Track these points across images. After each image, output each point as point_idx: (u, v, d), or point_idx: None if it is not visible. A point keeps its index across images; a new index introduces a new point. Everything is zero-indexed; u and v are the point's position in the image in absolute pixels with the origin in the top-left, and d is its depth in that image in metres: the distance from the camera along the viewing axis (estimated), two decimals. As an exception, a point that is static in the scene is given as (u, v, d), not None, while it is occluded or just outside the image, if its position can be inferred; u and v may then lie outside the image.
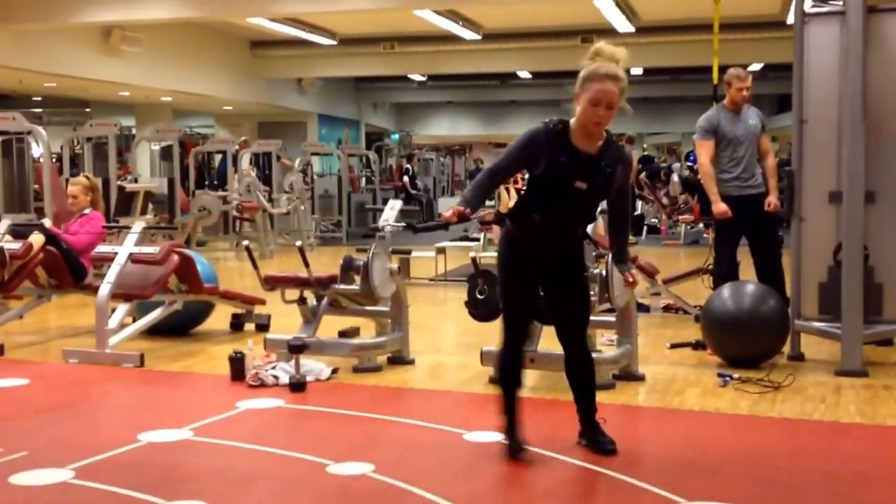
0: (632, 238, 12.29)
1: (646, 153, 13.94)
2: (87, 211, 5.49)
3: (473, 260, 4.18)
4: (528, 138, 2.85)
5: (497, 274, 3.03)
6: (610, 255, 3.95)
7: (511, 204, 9.36)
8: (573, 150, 2.83)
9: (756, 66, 13.73)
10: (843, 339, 4.21)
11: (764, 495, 2.71)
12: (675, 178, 13.46)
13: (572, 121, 2.87)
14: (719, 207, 4.91)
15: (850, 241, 4.20)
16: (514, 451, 2.97)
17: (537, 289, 2.99)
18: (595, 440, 3.03)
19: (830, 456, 3.09)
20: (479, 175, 2.91)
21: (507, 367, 3.03)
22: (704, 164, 4.99)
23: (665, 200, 12.74)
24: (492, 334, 4.68)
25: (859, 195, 4.19)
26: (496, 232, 10.35)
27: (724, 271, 4.94)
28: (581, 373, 3.07)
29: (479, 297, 3.92)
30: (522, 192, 2.97)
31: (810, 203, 4.44)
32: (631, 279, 3.03)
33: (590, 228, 4.22)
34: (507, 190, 10.84)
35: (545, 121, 2.88)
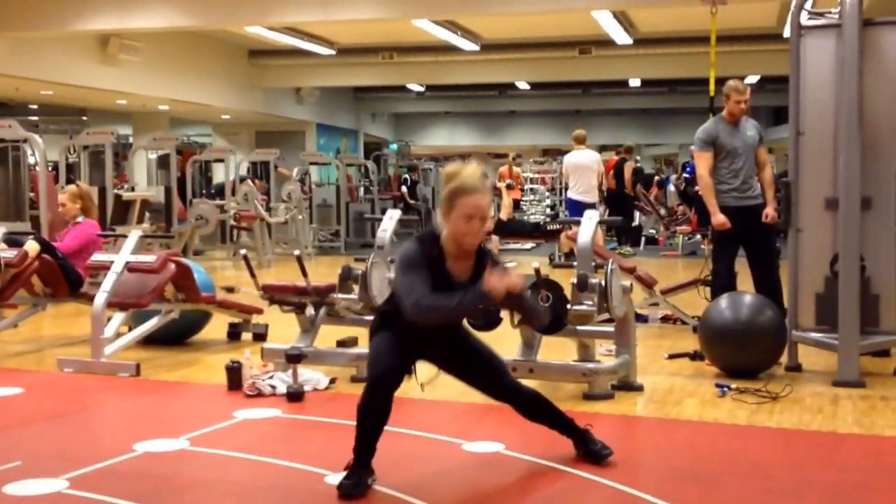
0: (629, 249, 12.25)
1: (638, 165, 13.91)
2: (80, 219, 5.50)
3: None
4: (414, 259, 2.70)
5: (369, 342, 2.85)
6: (610, 263, 3.96)
7: (510, 210, 9.37)
8: (449, 279, 2.73)
9: (753, 79, 13.79)
10: (840, 349, 4.21)
11: (762, 506, 2.71)
12: (671, 188, 13.50)
13: (445, 240, 2.74)
14: (718, 219, 4.92)
15: (847, 252, 4.21)
16: (352, 489, 2.70)
17: (411, 361, 2.83)
18: (589, 450, 3.02)
19: (828, 466, 3.09)
20: (427, 307, 2.64)
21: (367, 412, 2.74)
22: (703, 175, 5.01)
23: (662, 211, 12.77)
24: (490, 343, 4.67)
25: (855, 206, 4.20)
26: (494, 241, 10.36)
27: (722, 282, 4.95)
28: (534, 408, 3.01)
29: None
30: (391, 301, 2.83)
31: (807, 214, 4.45)
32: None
33: (587, 238, 4.24)
34: (504, 194, 10.84)
35: (418, 238, 2.77)
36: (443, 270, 2.75)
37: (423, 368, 2.92)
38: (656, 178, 14.41)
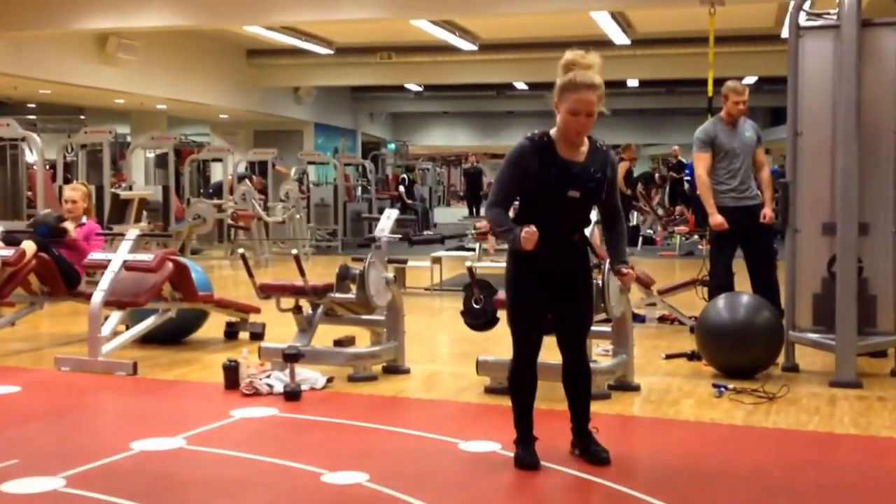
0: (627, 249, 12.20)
1: (649, 171, 13.83)
2: (84, 220, 5.50)
3: (469, 269, 4.18)
4: (517, 156, 2.87)
5: (506, 290, 3.01)
6: (607, 263, 3.96)
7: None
8: (561, 161, 2.86)
9: (751, 79, 13.81)
10: (838, 350, 4.22)
11: (759, 506, 2.71)
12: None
13: (554, 131, 2.89)
14: (716, 219, 4.93)
15: (844, 253, 4.21)
16: (529, 464, 2.94)
17: (546, 302, 2.97)
18: (588, 450, 3.02)
19: (824, 467, 3.09)
20: (489, 212, 2.91)
21: (520, 382, 3.00)
22: (702, 175, 5.01)
23: (660, 211, 12.78)
24: (488, 344, 4.67)
25: (853, 207, 4.20)
26: (491, 242, 10.36)
27: (719, 282, 4.95)
28: (578, 382, 3.06)
29: (475, 306, 3.92)
30: (517, 209, 2.98)
31: (804, 214, 4.45)
32: (626, 271, 3.00)
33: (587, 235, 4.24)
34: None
35: (528, 136, 2.89)
36: (555, 155, 2.86)
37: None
38: (657, 175, 14.37)
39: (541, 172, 2.83)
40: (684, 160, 14.58)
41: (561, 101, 2.83)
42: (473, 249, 8.59)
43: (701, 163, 5.00)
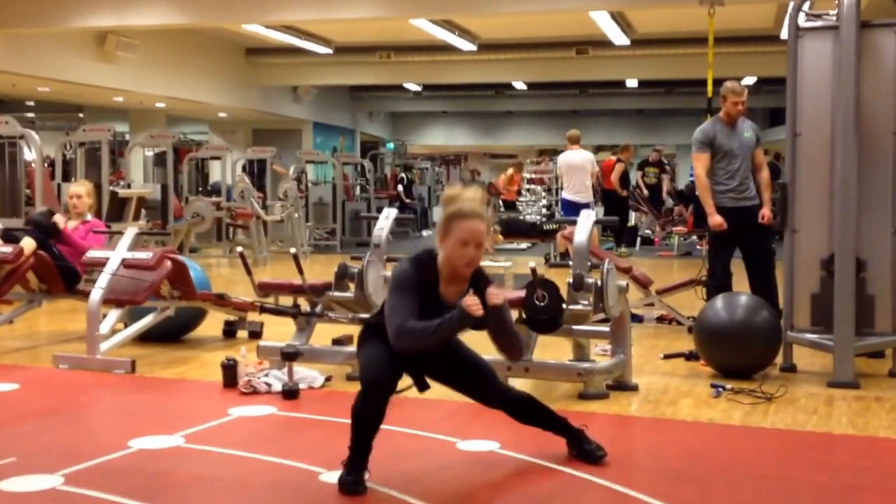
0: (625, 249, 12.25)
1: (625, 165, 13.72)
2: (88, 217, 5.50)
3: (533, 270, 4.15)
4: (404, 281, 2.69)
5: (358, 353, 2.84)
6: (606, 263, 3.96)
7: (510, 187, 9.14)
8: (440, 301, 2.72)
9: (750, 80, 13.81)
10: (836, 350, 4.23)
11: (756, 506, 2.71)
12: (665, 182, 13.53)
13: (441, 263, 2.74)
14: (715, 220, 4.93)
15: (843, 253, 4.22)
16: (353, 486, 2.71)
17: (401, 367, 2.80)
18: (583, 450, 3.02)
19: (822, 467, 3.10)
20: (412, 334, 2.66)
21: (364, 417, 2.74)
22: (700, 176, 5.01)
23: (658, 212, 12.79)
24: (485, 342, 4.68)
25: (851, 207, 4.21)
26: (490, 242, 10.33)
27: (718, 282, 4.96)
28: (528, 412, 3.00)
29: (538, 304, 3.85)
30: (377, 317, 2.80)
31: (803, 215, 4.46)
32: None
33: (583, 238, 4.24)
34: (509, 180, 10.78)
35: (415, 262, 2.73)
36: (435, 294, 2.74)
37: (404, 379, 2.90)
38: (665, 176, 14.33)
39: (421, 304, 2.69)
40: (665, 160, 14.61)
41: (448, 234, 2.70)
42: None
43: (700, 163, 5.01)
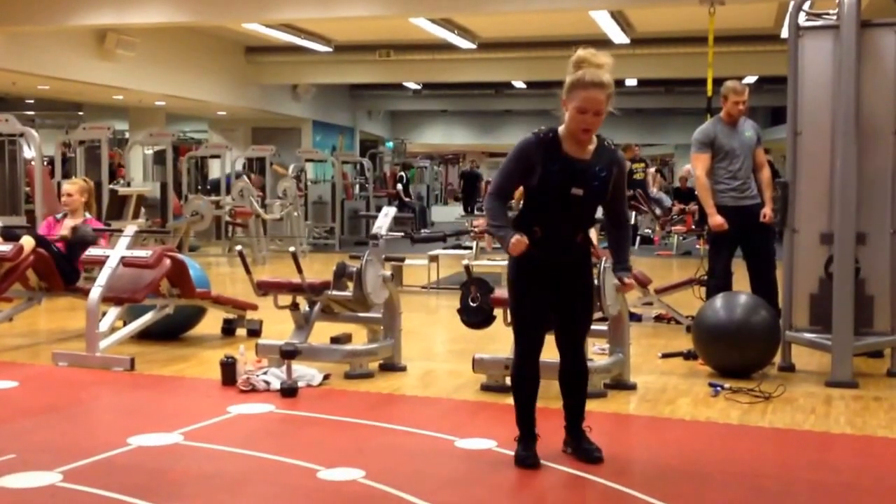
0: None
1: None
2: (87, 215, 5.51)
3: (466, 268, 4.18)
4: (521, 151, 2.86)
5: (508, 289, 3.01)
6: (604, 262, 3.96)
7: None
8: (566, 157, 2.84)
9: (750, 79, 13.81)
10: (834, 350, 4.23)
11: (754, 505, 2.72)
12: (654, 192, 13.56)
13: (561, 128, 2.87)
14: (716, 220, 4.92)
15: (842, 253, 4.22)
16: (530, 463, 2.93)
17: (548, 301, 2.96)
18: (581, 448, 3.03)
19: (820, 466, 3.10)
20: (488, 203, 2.91)
21: (523, 380, 2.99)
22: (700, 176, 5.00)
23: (658, 211, 12.79)
24: (484, 341, 4.68)
25: (851, 207, 4.21)
26: (488, 241, 10.36)
27: (718, 282, 4.95)
28: (575, 381, 3.07)
29: (471, 304, 3.92)
30: (521, 206, 2.98)
31: (803, 214, 4.46)
32: (627, 281, 3.01)
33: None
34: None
35: (535, 131, 2.89)
36: (559, 152, 2.84)
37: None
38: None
39: (544, 169, 2.82)
40: (641, 155, 14.62)
41: (569, 99, 2.81)
42: (471, 248, 8.59)
43: (700, 164, 5.00)
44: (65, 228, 5.38)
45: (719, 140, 4.97)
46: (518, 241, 2.78)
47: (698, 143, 5.01)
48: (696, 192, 5.31)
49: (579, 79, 2.80)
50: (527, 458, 2.94)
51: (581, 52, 2.86)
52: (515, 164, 2.87)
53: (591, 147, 2.89)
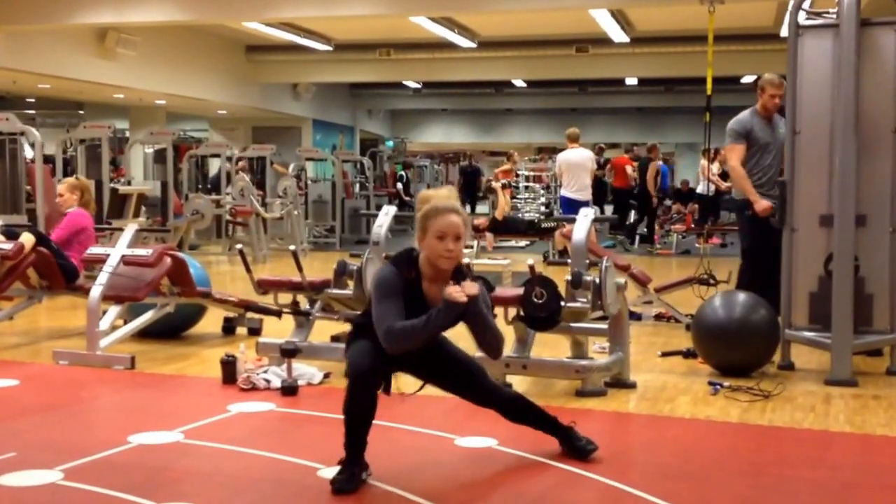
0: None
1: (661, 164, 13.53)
2: (71, 209, 5.52)
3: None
4: (389, 286, 2.69)
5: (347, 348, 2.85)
6: (605, 261, 3.97)
7: (507, 209, 9.28)
8: (423, 301, 2.73)
9: (750, 78, 13.81)
10: (833, 348, 4.23)
11: (752, 502, 2.72)
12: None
13: (421, 261, 2.75)
14: (762, 204, 4.77)
15: (841, 252, 4.22)
16: (343, 484, 2.71)
17: (390, 365, 2.81)
18: (573, 447, 3.03)
19: (819, 464, 3.10)
20: (394, 335, 2.65)
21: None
22: (736, 167, 4.86)
23: (658, 210, 12.79)
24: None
25: (850, 205, 4.21)
26: (489, 239, 10.35)
27: (752, 281, 4.80)
28: (516, 410, 3.01)
29: (536, 300, 3.87)
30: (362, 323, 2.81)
31: (802, 213, 4.46)
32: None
33: (582, 236, 4.25)
34: (500, 194, 10.86)
35: (395, 263, 2.75)
36: (419, 293, 2.74)
37: (406, 379, 2.94)
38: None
39: (406, 305, 2.70)
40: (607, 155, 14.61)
41: (426, 232, 2.71)
42: (471, 246, 8.60)
43: (735, 154, 4.85)
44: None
45: (755, 132, 4.88)
46: (452, 290, 2.63)
47: (734, 133, 4.88)
48: (721, 187, 5.12)
49: (432, 208, 2.72)
50: (343, 481, 2.70)
51: (423, 192, 2.85)
52: (391, 298, 2.68)
53: (448, 284, 2.71)
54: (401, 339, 2.67)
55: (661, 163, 12.59)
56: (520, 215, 12.45)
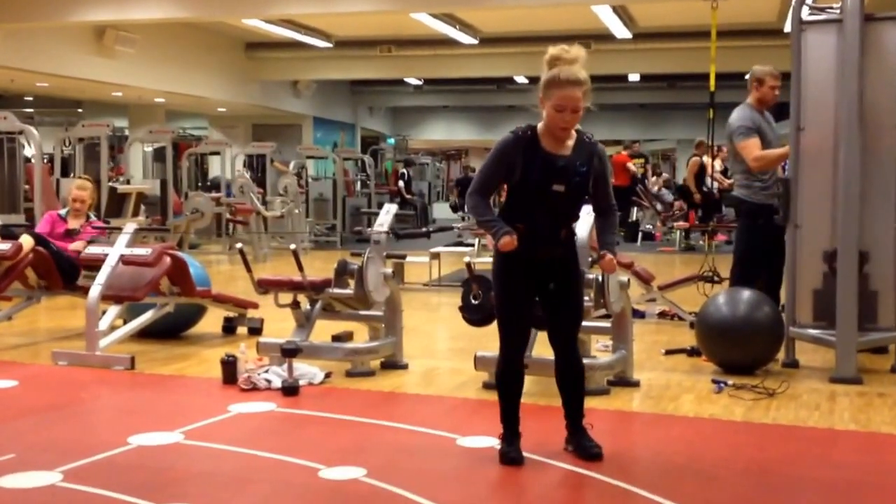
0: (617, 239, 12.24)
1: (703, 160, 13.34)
2: (92, 215, 5.51)
3: (468, 265, 4.15)
4: (500, 150, 2.89)
5: (493, 284, 3.01)
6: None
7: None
8: (546, 155, 2.85)
9: (751, 74, 13.76)
10: (838, 346, 4.20)
11: (757, 501, 2.70)
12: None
13: (540, 125, 2.89)
14: (786, 150, 4.54)
15: (845, 248, 4.19)
16: (513, 459, 2.93)
17: (533, 297, 2.97)
18: (581, 445, 3.01)
19: (824, 463, 3.08)
20: (471, 201, 2.92)
21: (507, 377, 3.00)
22: (762, 154, 4.64)
23: (659, 207, 12.77)
24: (486, 339, 4.66)
25: (854, 202, 4.18)
26: (490, 238, 10.32)
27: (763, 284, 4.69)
28: (571, 378, 3.05)
29: (473, 301, 3.90)
30: (503, 203, 2.97)
31: (806, 210, 4.43)
32: (603, 255, 2.96)
33: (584, 234, 4.22)
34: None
35: (513, 129, 2.90)
36: (539, 149, 2.85)
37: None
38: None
39: (524, 166, 2.83)
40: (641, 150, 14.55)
41: (545, 98, 2.83)
42: (472, 244, 8.57)
43: (754, 148, 4.64)
44: (80, 243, 5.31)
45: (763, 129, 4.72)
46: (509, 237, 2.79)
47: (746, 129, 4.68)
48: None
49: (554, 77, 2.81)
50: (510, 453, 2.93)
51: (553, 50, 2.87)
52: (496, 164, 2.89)
53: (571, 142, 2.89)
54: (471, 207, 2.93)
55: (706, 158, 12.43)
56: None
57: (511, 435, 2.97)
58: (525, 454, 3.01)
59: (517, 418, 2.97)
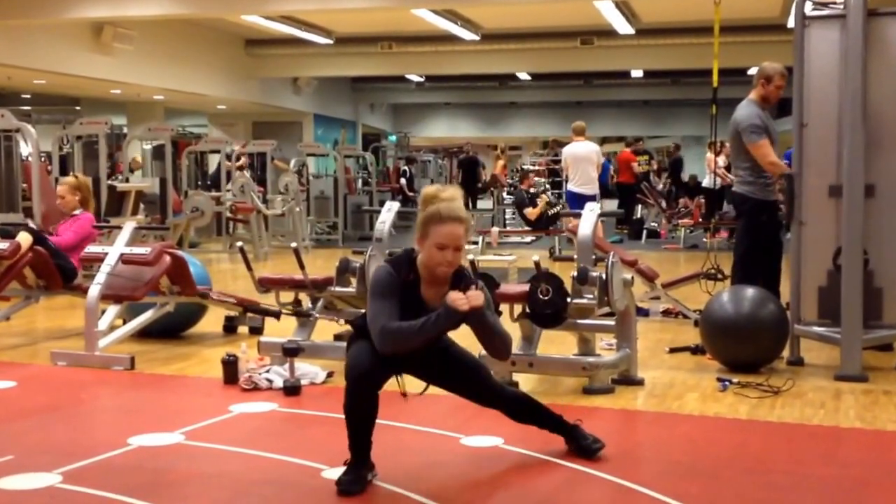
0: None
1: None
2: (77, 212, 5.44)
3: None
4: (384, 285, 2.65)
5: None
6: (611, 256, 3.91)
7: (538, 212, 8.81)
8: (421, 303, 2.68)
9: (755, 70, 13.73)
10: (843, 343, 4.18)
11: (762, 500, 2.68)
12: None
13: (419, 262, 2.70)
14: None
15: (850, 245, 4.16)
16: (348, 485, 2.66)
17: (391, 367, 2.76)
18: (579, 446, 2.98)
19: (829, 461, 3.06)
20: (390, 336, 2.61)
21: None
22: (776, 161, 4.64)
23: (664, 204, 12.75)
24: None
25: (859, 199, 4.15)
26: (494, 236, 10.32)
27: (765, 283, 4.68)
28: (524, 410, 2.97)
29: (541, 297, 3.82)
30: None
31: (810, 207, 4.40)
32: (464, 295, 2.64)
33: (587, 231, 4.19)
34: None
35: (393, 265, 2.70)
36: (416, 295, 2.70)
37: (410, 380, 2.89)
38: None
39: (401, 307, 2.64)
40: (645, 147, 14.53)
41: (424, 236, 2.65)
42: (476, 243, 8.55)
43: (767, 150, 4.62)
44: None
45: (770, 127, 4.71)
46: (455, 297, 2.59)
47: (756, 129, 4.64)
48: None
49: (435, 213, 2.63)
50: (349, 482, 2.66)
51: (428, 189, 2.75)
52: (386, 296, 2.64)
53: (446, 287, 2.67)
54: (395, 340, 2.62)
55: (709, 153, 12.37)
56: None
57: (359, 465, 2.68)
58: (529, 453, 2.98)
59: (368, 447, 2.71)
